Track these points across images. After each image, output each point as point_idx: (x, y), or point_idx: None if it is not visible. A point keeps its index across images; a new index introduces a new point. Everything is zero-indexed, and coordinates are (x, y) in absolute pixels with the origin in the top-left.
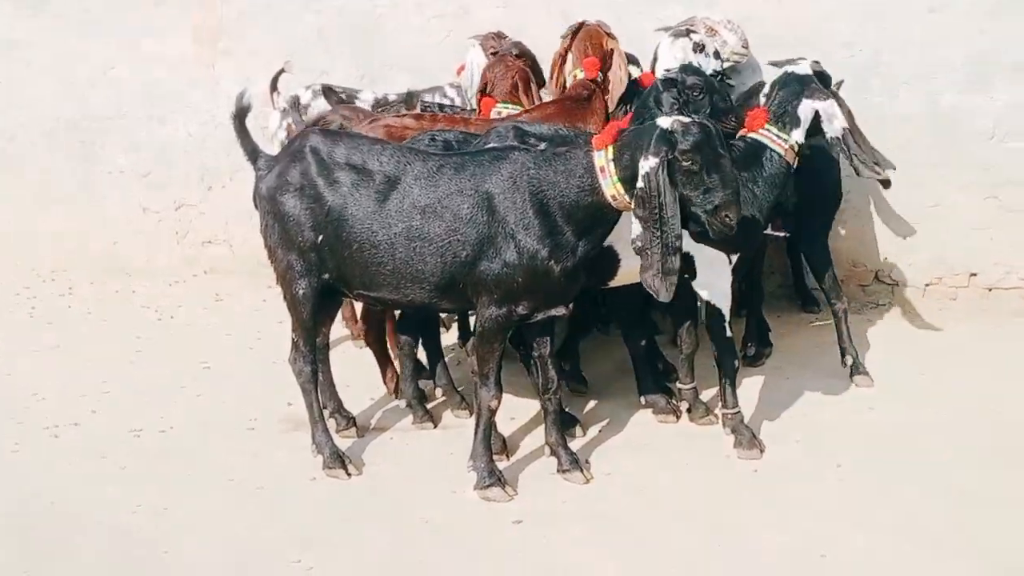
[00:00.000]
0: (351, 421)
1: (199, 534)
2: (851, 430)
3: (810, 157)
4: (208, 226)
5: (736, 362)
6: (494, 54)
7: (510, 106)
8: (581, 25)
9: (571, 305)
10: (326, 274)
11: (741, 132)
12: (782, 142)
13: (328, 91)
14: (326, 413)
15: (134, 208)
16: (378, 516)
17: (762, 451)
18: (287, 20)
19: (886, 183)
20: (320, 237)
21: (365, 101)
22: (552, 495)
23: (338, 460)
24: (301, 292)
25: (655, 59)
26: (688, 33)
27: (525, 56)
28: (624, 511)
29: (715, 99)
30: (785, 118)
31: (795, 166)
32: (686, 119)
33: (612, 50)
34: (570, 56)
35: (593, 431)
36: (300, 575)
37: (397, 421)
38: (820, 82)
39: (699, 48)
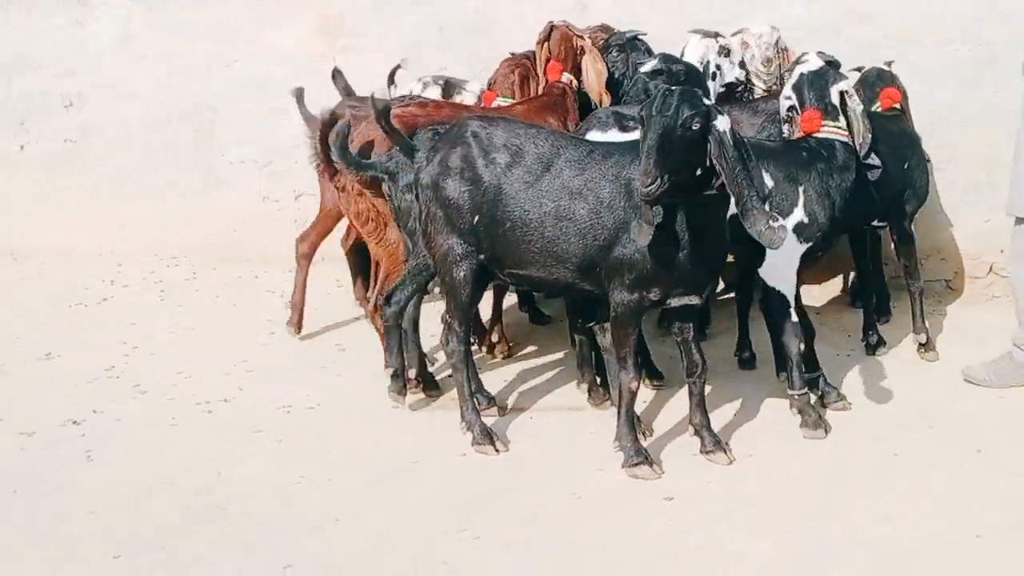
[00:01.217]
0: (491, 401)
1: (363, 504)
2: (985, 416)
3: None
4: None
5: (801, 345)
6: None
7: (509, 100)
8: (552, 28)
9: (706, 294)
10: (482, 255)
11: (801, 134)
12: (841, 132)
13: (447, 84)
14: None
15: (254, 197)
16: (529, 491)
17: (827, 432)
18: (406, 14)
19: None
20: (477, 218)
21: (472, 92)
22: (697, 475)
23: (487, 437)
24: (461, 275)
25: (680, 55)
26: (716, 36)
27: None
28: (767, 493)
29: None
30: (829, 109)
31: (863, 150)
32: None
33: (582, 48)
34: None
35: (728, 415)
36: (469, 543)
37: (535, 401)
38: (832, 67)
39: (724, 52)
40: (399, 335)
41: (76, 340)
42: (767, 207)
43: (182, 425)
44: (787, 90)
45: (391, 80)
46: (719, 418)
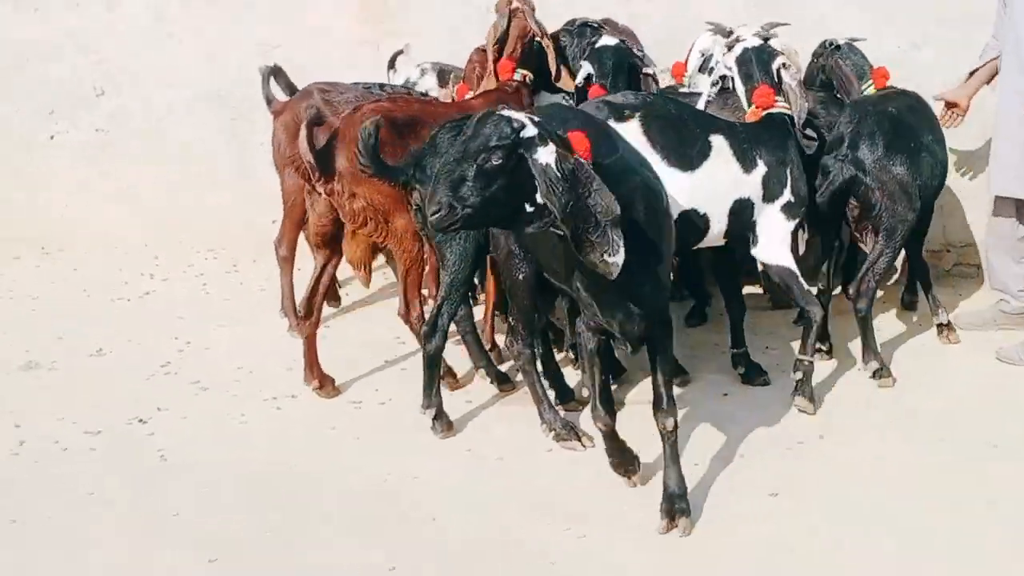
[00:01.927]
0: (571, 396)
1: (454, 500)
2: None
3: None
4: None
5: (820, 312)
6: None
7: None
8: (511, 13)
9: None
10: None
11: (755, 113)
12: (787, 107)
13: (441, 71)
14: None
15: None
16: (621, 484)
17: (816, 408)
18: (453, 2)
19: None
20: None
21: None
22: (798, 471)
23: (572, 432)
24: (522, 276)
25: (689, 50)
26: (729, 34)
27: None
28: (880, 490)
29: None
30: (774, 84)
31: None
32: None
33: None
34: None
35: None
36: (574, 542)
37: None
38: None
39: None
40: (438, 367)
41: (125, 336)
42: (608, 235)
43: (252, 422)
44: (728, 61)
45: (391, 65)
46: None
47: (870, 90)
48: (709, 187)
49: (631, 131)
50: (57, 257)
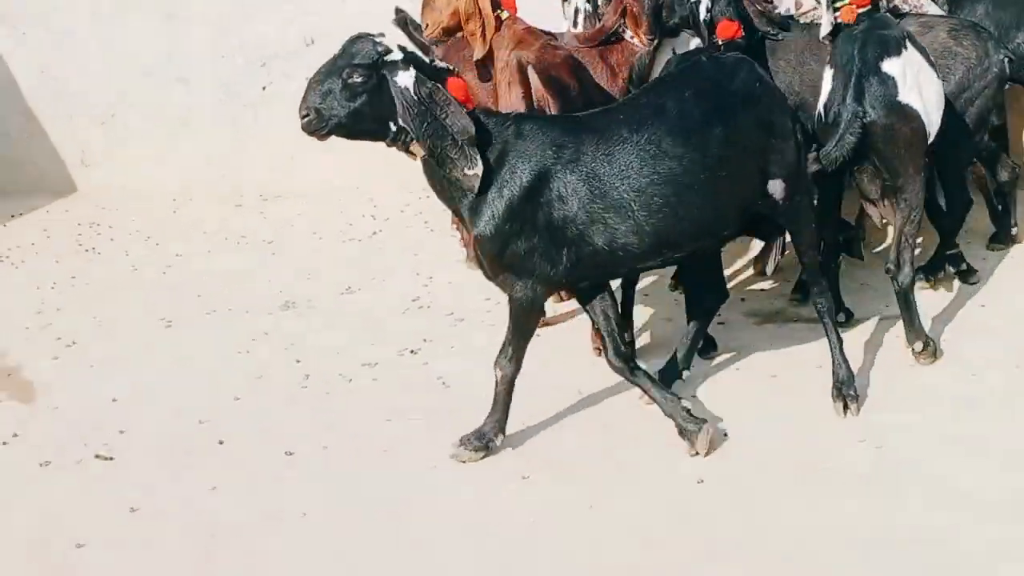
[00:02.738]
0: None
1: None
2: None
3: None
4: None
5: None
6: None
7: None
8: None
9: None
10: None
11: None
12: None
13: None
14: None
15: None
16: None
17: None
18: None
19: None
20: None
21: None
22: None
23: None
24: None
25: None
26: None
27: None
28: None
29: None
30: None
31: None
32: None
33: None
34: None
35: None
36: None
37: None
38: None
39: None
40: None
41: (368, 274)
42: (466, 151)
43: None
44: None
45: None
46: None
47: None
48: None
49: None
50: (278, 203)
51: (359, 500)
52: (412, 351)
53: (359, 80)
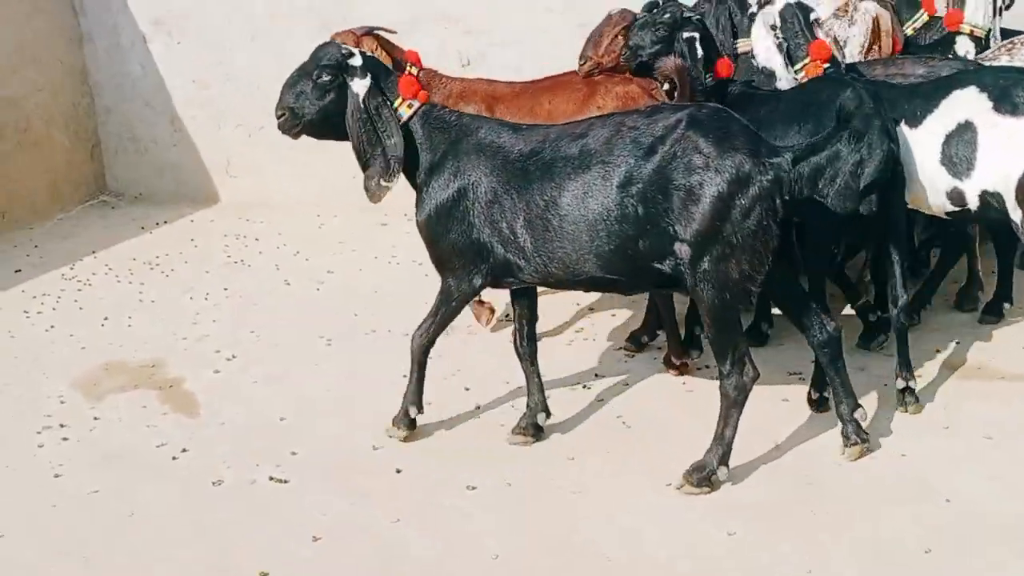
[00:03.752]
0: None
1: None
2: None
3: None
4: None
5: None
6: None
7: None
8: None
9: None
10: None
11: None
12: None
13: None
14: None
15: None
16: None
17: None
18: None
19: None
20: None
21: None
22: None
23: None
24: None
25: None
26: None
27: None
28: None
29: None
30: None
31: None
32: None
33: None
34: None
35: None
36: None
37: None
38: None
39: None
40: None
41: None
42: (391, 166)
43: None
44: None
45: None
46: None
47: None
48: None
49: None
50: None
51: (551, 542)
52: (584, 386)
53: (327, 79)
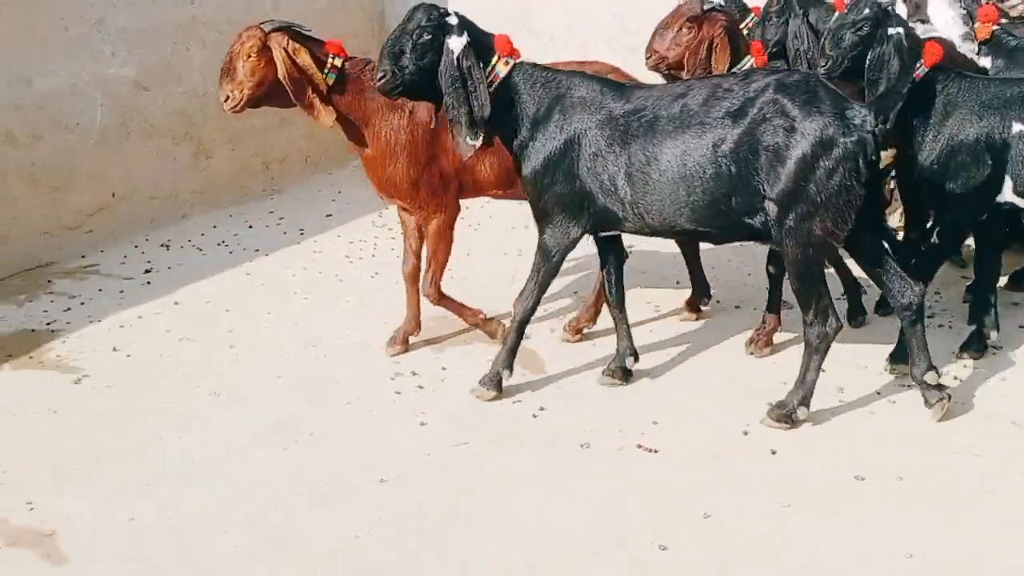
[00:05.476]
0: None
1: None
2: None
3: None
4: None
5: None
6: None
7: None
8: None
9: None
10: None
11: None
12: None
13: None
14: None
15: None
16: None
17: None
18: None
19: None
20: None
21: None
22: None
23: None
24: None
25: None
26: None
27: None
28: None
29: None
30: None
31: None
32: None
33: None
34: None
35: None
36: None
37: None
38: None
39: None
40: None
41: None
42: (474, 128)
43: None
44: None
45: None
46: None
47: None
48: None
49: None
50: None
51: None
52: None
53: (428, 39)
